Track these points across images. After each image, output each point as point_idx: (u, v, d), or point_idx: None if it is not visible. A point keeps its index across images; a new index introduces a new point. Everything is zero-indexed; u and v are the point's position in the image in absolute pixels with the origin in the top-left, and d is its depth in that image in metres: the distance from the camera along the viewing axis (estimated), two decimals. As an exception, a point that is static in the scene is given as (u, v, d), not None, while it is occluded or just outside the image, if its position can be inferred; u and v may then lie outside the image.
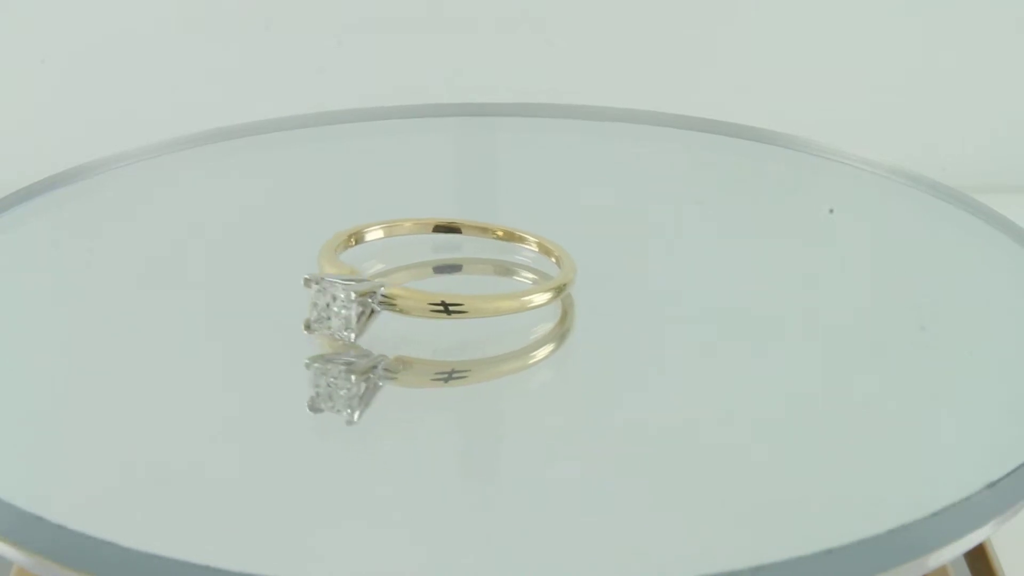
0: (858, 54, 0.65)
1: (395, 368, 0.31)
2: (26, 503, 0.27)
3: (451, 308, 0.31)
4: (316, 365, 0.31)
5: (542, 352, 0.33)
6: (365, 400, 0.30)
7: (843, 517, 0.27)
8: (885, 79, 0.65)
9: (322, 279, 0.31)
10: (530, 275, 0.36)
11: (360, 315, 0.31)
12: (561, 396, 0.32)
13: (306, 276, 0.31)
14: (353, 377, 0.31)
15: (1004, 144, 0.66)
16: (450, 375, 0.32)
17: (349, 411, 0.30)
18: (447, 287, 0.36)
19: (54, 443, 0.30)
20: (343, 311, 0.31)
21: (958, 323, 0.36)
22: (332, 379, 0.31)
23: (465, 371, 0.32)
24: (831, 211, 0.42)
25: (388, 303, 0.32)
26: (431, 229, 0.37)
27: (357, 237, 0.36)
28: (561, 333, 0.34)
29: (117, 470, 0.29)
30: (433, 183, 0.44)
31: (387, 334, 0.32)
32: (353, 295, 0.31)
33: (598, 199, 0.43)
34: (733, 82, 0.65)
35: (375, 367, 0.31)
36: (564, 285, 0.34)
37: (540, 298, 0.33)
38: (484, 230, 0.37)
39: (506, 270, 0.37)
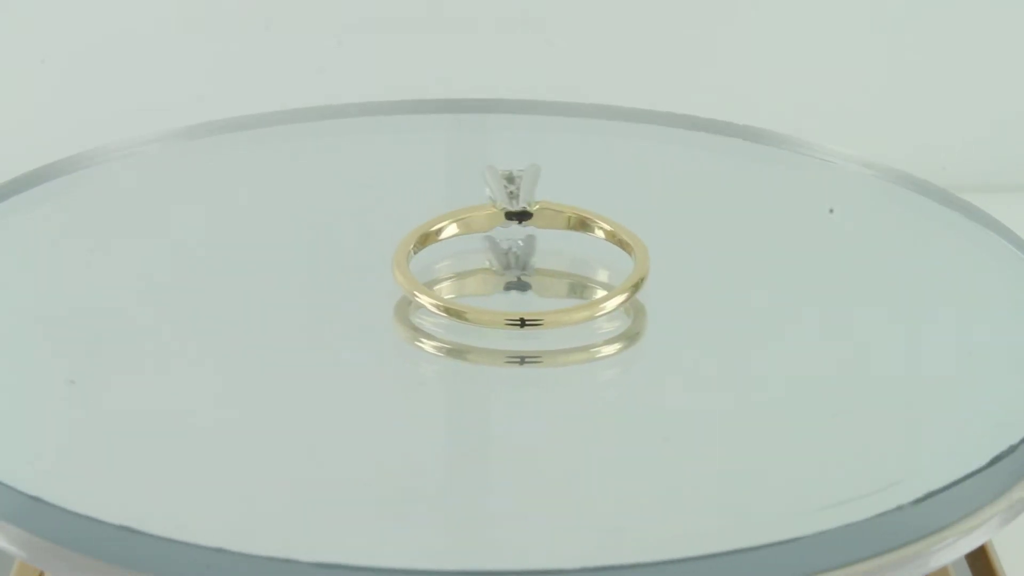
0: (858, 54, 0.65)
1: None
2: (41, 492, 0.27)
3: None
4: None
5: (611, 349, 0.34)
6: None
7: (842, 509, 0.28)
8: (885, 78, 0.65)
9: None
10: (603, 275, 0.37)
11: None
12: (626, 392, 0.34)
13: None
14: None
15: (1004, 143, 0.66)
16: (523, 360, 0.33)
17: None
18: (519, 298, 0.37)
19: (65, 433, 0.30)
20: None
21: (957, 324, 0.36)
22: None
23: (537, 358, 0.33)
24: (831, 211, 0.42)
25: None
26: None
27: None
28: (630, 335, 0.35)
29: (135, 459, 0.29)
30: (433, 182, 0.44)
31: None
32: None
33: (600, 198, 0.43)
34: (732, 82, 0.64)
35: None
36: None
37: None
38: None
39: (579, 285, 0.37)
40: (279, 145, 0.45)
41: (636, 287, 0.34)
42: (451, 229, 0.37)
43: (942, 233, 0.41)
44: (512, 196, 0.37)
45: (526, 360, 0.33)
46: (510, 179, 0.37)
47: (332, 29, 0.63)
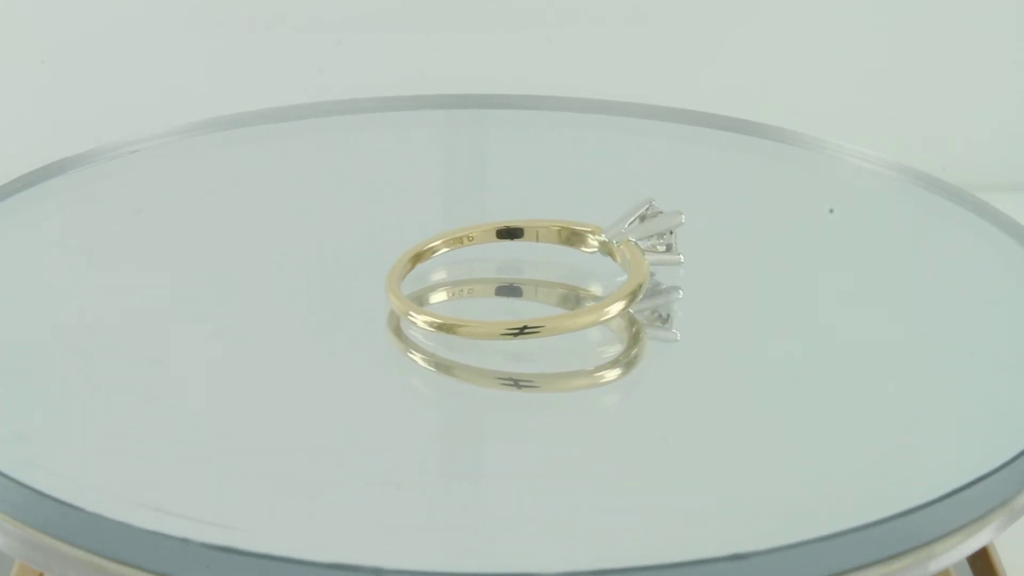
0: (859, 51, 0.65)
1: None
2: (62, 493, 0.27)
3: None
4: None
5: (613, 373, 0.33)
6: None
7: (843, 509, 0.28)
8: (884, 78, 0.65)
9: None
10: (597, 285, 0.36)
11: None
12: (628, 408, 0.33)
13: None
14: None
15: (1004, 143, 0.66)
16: (517, 383, 0.33)
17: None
18: (513, 304, 0.36)
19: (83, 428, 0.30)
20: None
21: (958, 322, 0.36)
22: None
23: (534, 384, 0.33)
24: (831, 211, 0.42)
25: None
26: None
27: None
28: (632, 357, 0.34)
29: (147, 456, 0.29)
30: (431, 179, 0.44)
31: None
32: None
33: (603, 196, 0.42)
34: (734, 78, 0.64)
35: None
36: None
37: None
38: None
39: (572, 295, 0.36)
40: (278, 143, 0.45)
41: (636, 292, 0.34)
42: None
43: (960, 232, 0.41)
44: (617, 229, 0.36)
45: (520, 384, 0.33)
46: (652, 216, 0.36)
47: (332, 29, 0.63)
